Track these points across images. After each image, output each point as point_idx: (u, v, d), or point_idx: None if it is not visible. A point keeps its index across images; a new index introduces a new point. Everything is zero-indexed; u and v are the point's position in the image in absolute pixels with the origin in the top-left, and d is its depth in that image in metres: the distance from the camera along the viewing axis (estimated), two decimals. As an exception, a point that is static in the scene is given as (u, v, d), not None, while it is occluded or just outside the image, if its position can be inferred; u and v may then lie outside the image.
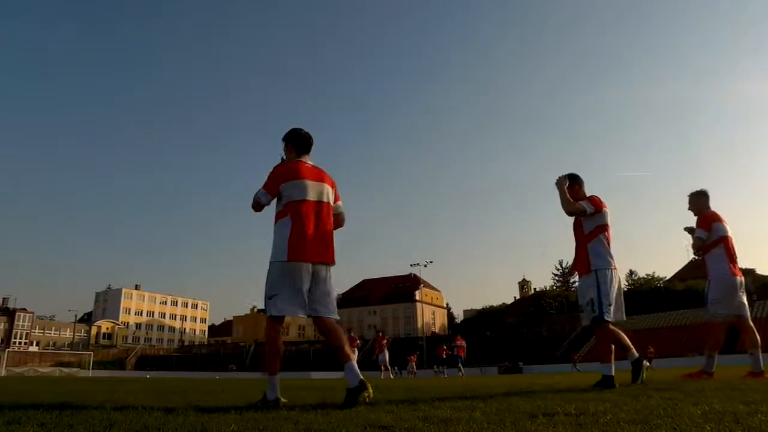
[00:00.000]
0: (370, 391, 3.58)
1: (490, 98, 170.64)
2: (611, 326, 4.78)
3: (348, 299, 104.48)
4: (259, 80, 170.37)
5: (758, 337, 6.04)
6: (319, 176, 4.02)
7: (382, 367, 21.24)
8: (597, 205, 5.03)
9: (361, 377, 3.64)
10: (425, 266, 66.95)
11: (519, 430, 2.23)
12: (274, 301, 3.74)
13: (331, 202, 4.04)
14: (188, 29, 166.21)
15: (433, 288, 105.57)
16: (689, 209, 6.41)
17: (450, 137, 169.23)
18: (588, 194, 5.16)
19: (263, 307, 3.92)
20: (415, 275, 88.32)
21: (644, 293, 68.86)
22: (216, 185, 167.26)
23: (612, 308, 4.72)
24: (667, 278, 77.49)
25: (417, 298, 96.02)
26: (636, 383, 4.78)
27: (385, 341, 22.34)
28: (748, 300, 6.37)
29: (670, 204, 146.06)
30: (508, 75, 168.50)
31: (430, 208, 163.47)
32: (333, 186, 4.09)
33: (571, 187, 5.25)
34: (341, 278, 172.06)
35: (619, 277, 4.97)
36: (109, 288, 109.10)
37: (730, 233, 6.20)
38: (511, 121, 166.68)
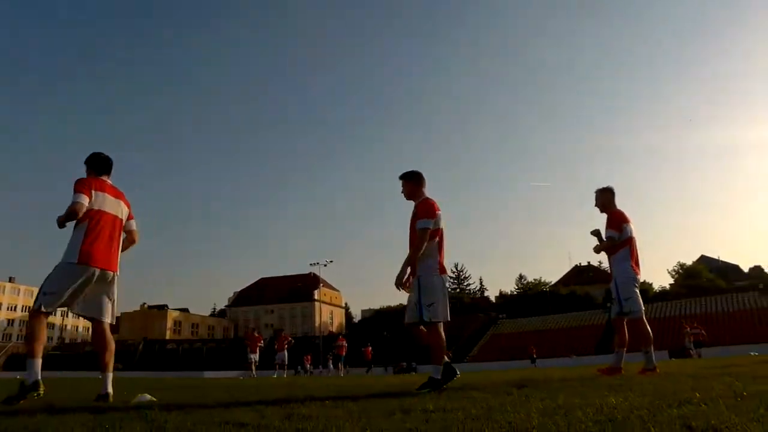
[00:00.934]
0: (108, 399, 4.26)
1: (416, 87, 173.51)
2: (440, 327, 4.66)
3: (244, 297, 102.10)
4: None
5: (651, 334, 6.22)
6: (117, 195, 4.53)
7: (277, 366, 20.92)
8: (432, 212, 4.77)
9: (109, 390, 4.34)
10: (325, 266, 66.75)
11: (371, 426, 2.26)
12: (49, 298, 4.08)
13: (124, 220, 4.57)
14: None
15: (332, 287, 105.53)
16: (596, 205, 6.52)
17: (352, 139, 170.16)
18: (424, 196, 4.95)
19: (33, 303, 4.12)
20: (314, 274, 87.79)
21: (532, 297, 72.88)
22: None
23: (432, 309, 4.58)
24: (552, 283, 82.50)
25: (315, 297, 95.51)
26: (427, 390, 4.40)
27: (287, 342, 22.08)
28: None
29: (559, 213, 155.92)
30: (396, 74, 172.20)
31: (331, 207, 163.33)
32: (128, 206, 4.63)
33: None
34: (238, 275, 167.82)
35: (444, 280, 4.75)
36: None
37: (634, 234, 6.33)
38: (411, 126, 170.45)
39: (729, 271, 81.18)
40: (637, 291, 6.21)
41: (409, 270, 4.78)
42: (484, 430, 1.90)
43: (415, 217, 4.78)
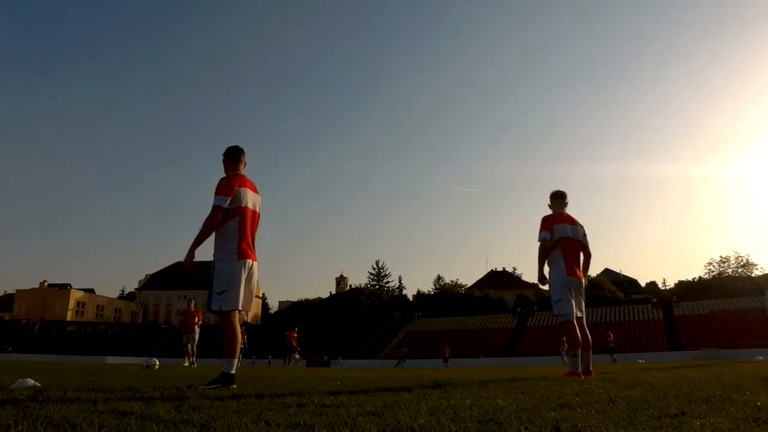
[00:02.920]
0: None
1: (335, 96, 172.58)
2: (235, 318, 4.39)
3: (156, 280, 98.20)
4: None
5: (590, 339, 6.12)
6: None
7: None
8: (228, 189, 4.50)
9: None
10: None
11: (260, 418, 2.23)
12: None
13: None
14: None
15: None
16: (550, 208, 6.52)
17: (281, 137, 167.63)
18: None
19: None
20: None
21: (448, 297, 74.74)
22: (6, 134, 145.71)
23: (224, 297, 4.31)
24: (468, 286, 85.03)
25: (253, 287, 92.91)
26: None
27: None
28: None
29: (480, 218, 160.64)
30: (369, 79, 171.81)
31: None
32: None
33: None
34: (151, 257, 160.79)
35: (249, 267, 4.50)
36: None
37: (572, 234, 6.21)
38: (339, 121, 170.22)
39: (628, 284, 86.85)
40: (570, 294, 6.07)
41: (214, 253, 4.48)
42: (370, 427, 1.92)
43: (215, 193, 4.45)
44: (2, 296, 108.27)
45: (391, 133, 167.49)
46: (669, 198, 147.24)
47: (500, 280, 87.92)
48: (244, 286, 4.44)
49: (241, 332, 16.47)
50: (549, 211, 6.51)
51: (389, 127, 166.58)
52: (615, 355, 29.98)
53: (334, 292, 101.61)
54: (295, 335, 26.76)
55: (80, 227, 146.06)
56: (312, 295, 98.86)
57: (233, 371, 4.28)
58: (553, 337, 50.74)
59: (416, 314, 64.50)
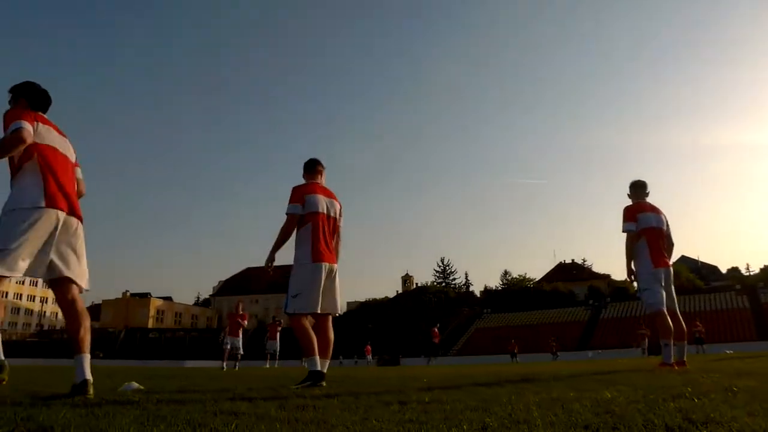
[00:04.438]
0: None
1: (383, 91, 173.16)
2: (304, 320, 4.53)
3: (229, 286, 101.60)
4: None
5: (684, 328, 5.93)
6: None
7: (268, 356, 20.25)
8: (297, 196, 4.71)
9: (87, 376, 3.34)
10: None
11: (367, 416, 2.26)
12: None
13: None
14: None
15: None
16: (630, 198, 6.36)
17: (335, 136, 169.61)
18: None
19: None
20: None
21: (516, 292, 73.39)
22: (84, 156, 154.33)
23: (297, 300, 4.49)
24: (537, 279, 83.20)
25: (336, 289, 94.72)
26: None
27: (279, 329, 20.98)
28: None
29: (546, 211, 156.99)
30: (413, 72, 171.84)
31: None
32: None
33: None
34: (224, 264, 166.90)
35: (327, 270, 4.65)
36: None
37: (656, 224, 6.05)
38: (401, 116, 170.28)
39: (707, 271, 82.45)
40: (658, 283, 5.85)
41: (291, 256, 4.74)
42: (485, 420, 1.90)
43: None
44: (90, 306, 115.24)
45: (451, 129, 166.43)
46: (749, 176, 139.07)
47: (570, 272, 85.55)
48: (324, 289, 4.56)
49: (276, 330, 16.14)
50: (629, 202, 6.30)
51: (448, 122, 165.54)
52: (704, 346, 28.61)
53: (400, 291, 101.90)
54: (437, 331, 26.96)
55: (156, 238, 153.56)
56: (379, 295, 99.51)
57: (318, 367, 4.38)
58: (629, 329, 48.96)
59: (485, 310, 63.71)
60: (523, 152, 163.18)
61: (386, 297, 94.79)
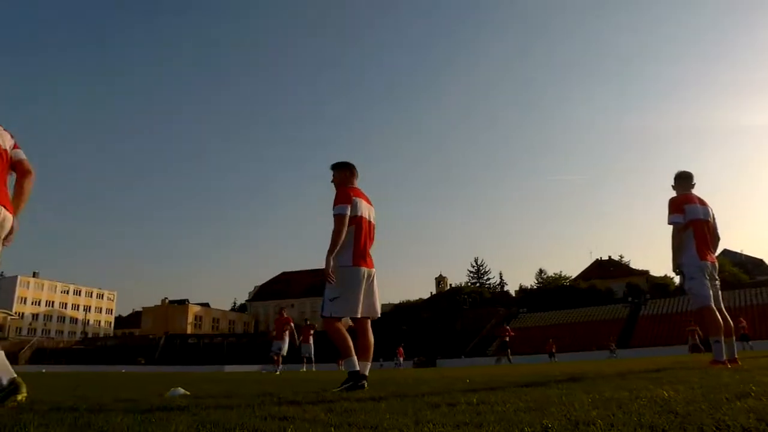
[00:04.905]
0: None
1: (414, 94, 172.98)
2: (338, 323, 4.49)
3: (265, 291, 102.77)
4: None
5: (731, 324, 5.73)
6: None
7: (305, 360, 20.36)
8: (346, 198, 4.59)
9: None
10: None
11: (419, 418, 2.23)
12: None
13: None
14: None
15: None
16: (674, 190, 6.18)
17: (369, 141, 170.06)
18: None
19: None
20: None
21: (552, 291, 72.35)
22: (121, 167, 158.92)
23: (336, 304, 4.44)
24: (573, 277, 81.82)
25: (375, 293, 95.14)
26: None
27: (312, 332, 21.04)
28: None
29: (580, 207, 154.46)
30: (440, 74, 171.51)
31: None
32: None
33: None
34: (259, 269, 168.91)
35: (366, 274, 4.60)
36: (1, 275, 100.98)
37: (703, 216, 5.87)
38: (434, 118, 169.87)
39: (752, 265, 79.77)
40: (705, 278, 5.66)
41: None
42: (543, 422, 1.86)
43: (333, 204, 4.59)
44: (131, 314, 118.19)
45: (482, 127, 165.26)
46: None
47: (607, 269, 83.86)
48: (364, 294, 4.52)
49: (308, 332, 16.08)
50: (671, 194, 6.11)
51: (479, 121, 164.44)
52: (750, 342, 27.61)
53: (434, 292, 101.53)
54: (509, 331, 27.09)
55: (192, 245, 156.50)
56: (412, 297, 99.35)
57: (356, 368, 4.35)
58: (671, 326, 47.68)
59: (520, 310, 62.93)
60: (557, 149, 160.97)
61: (420, 299, 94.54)
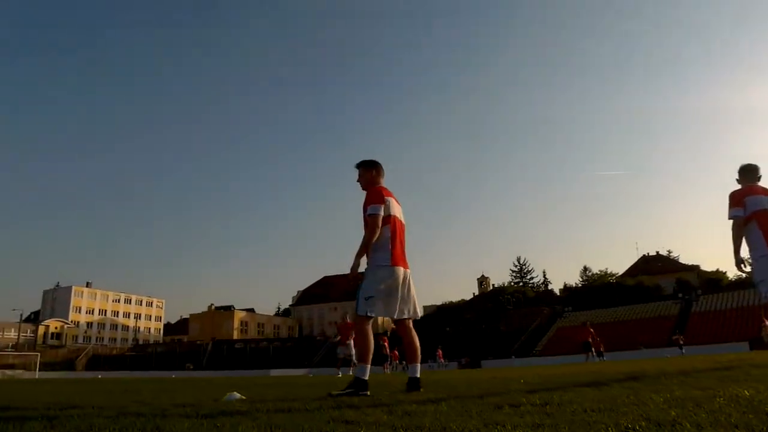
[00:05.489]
0: None
1: (449, 101, 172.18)
2: (368, 325, 4.39)
3: (308, 295, 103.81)
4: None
5: None
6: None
7: (340, 362, 20.41)
8: (380, 198, 4.53)
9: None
10: (385, 263, 66.84)
11: (486, 420, 2.18)
12: None
13: None
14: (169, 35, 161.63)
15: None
16: (738, 183, 5.86)
17: (406, 137, 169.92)
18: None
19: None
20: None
21: (597, 289, 70.74)
22: (169, 179, 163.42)
23: (371, 303, 4.30)
24: (619, 274, 79.82)
25: (412, 294, 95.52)
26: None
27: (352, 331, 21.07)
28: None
29: (624, 203, 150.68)
30: (477, 74, 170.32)
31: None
32: None
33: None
34: (302, 274, 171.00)
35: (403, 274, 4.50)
36: (57, 286, 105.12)
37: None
38: (471, 118, 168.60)
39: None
40: None
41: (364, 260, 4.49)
42: (620, 421, 1.79)
43: (365, 205, 4.53)
44: (179, 321, 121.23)
45: (521, 123, 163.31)
46: None
47: (654, 265, 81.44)
48: (402, 295, 4.42)
49: (384, 339, 16.54)
50: (729, 186, 5.81)
51: (517, 117, 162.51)
52: None
53: (476, 292, 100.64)
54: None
55: (236, 252, 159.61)
56: (455, 298, 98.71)
57: (366, 377, 4.22)
58: (725, 322, 45.94)
59: (566, 309, 61.68)
60: (599, 144, 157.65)
61: (462, 300, 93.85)
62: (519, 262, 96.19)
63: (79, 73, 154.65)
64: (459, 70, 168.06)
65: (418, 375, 4.38)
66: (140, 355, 76.41)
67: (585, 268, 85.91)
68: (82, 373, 61.89)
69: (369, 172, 4.73)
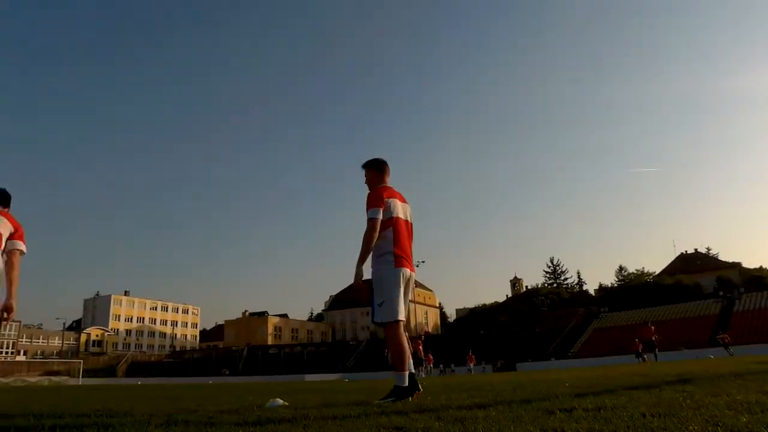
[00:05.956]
0: None
1: (480, 100, 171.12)
2: (400, 329, 4.28)
3: (340, 301, 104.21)
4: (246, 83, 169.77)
5: None
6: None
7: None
8: (378, 201, 4.38)
9: None
10: (417, 266, 66.56)
11: (543, 426, 2.14)
12: None
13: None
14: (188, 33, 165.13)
15: (425, 288, 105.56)
16: None
17: (436, 138, 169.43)
18: (385, 190, 4.53)
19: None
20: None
21: (634, 288, 69.26)
22: (204, 187, 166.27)
23: (385, 308, 4.24)
24: (657, 273, 78.04)
25: (409, 298, 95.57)
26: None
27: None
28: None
29: (660, 200, 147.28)
30: (508, 74, 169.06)
31: (420, 207, 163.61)
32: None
33: None
34: (332, 280, 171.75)
35: (408, 277, 4.41)
36: (97, 295, 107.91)
37: None
38: (501, 118, 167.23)
39: None
40: None
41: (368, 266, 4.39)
42: (689, 428, 1.73)
43: (366, 208, 4.39)
44: (214, 327, 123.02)
45: (550, 122, 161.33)
46: None
47: (693, 263, 79.34)
48: (403, 297, 4.32)
49: (418, 343, 17.00)
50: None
51: (549, 116, 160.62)
52: None
53: (510, 294, 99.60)
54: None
55: (269, 259, 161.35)
56: (488, 300, 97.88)
57: (406, 384, 4.13)
58: (771, 320, 44.33)
59: (602, 309, 60.50)
60: (633, 141, 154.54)
61: (495, 302, 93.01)
62: (552, 263, 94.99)
63: (126, 83, 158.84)
64: (487, 68, 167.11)
65: (406, 384, 4.28)
66: (177, 361, 77.77)
67: (620, 268, 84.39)
68: (122, 380, 63.34)
69: (371, 171, 4.63)
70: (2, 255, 4.25)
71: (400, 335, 4.24)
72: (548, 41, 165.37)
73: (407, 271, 4.35)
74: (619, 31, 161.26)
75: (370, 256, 4.32)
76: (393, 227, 4.34)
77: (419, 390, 4.25)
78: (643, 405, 2.62)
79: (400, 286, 4.26)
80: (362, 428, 2.50)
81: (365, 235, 4.26)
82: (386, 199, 4.37)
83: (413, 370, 4.29)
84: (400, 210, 4.47)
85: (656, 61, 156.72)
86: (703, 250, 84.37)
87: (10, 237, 4.46)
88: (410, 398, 4.07)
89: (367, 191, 4.52)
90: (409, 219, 4.58)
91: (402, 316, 4.24)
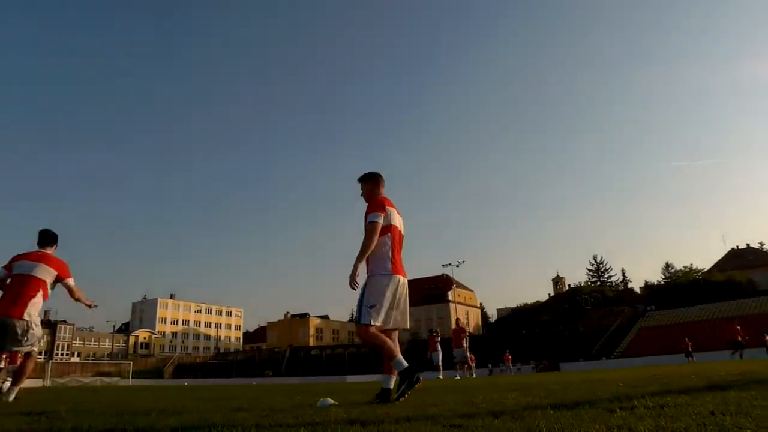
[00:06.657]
0: None
1: (517, 94, 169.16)
2: (374, 329, 4.33)
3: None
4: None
5: None
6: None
7: (441, 367, 20.65)
8: (380, 207, 4.58)
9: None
10: (457, 266, 66.34)
11: (608, 424, 2.12)
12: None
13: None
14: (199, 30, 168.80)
15: (465, 288, 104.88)
16: None
17: (474, 136, 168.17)
18: (382, 195, 4.80)
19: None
20: (447, 275, 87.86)
21: (682, 286, 67.19)
22: (248, 192, 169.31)
23: (375, 312, 4.31)
24: (706, 269, 75.53)
25: (450, 298, 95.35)
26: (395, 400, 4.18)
27: (438, 339, 21.38)
28: None
29: (707, 193, 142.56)
30: (539, 71, 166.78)
31: (461, 207, 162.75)
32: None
33: None
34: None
35: (402, 283, 4.54)
36: (144, 298, 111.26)
37: None
38: (540, 116, 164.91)
39: None
40: None
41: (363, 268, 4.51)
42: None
43: (366, 214, 4.59)
44: (257, 329, 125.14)
45: (591, 118, 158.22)
46: None
47: (745, 258, 76.44)
48: (397, 303, 4.47)
49: (461, 338, 17.04)
50: None
51: (589, 108, 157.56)
52: None
53: (552, 293, 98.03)
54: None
55: (308, 261, 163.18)
56: (530, 300, 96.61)
57: (405, 364, 4.25)
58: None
59: (648, 308, 58.89)
60: (681, 134, 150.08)
61: (537, 301, 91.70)
62: (596, 261, 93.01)
63: (173, 82, 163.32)
64: (523, 61, 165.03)
65: (392, 386, 4.38)
66: (222, 362, 79.35)
67: (667, 265, 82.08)
68: (170, 381, 65.07)
69: (367, 184, 4.85)
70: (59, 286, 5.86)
71: (376, 335, 4.36)
72: (595, 24, 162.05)
73: (400, 278, 4.54)
74: (666, 17, 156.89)
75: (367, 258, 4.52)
76: (391, 235, 4.58)
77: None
78: (708, 404, 2.57)
79: (392, 293, 4.43)
80: (425, 427, 2.52)
81: (366, 236, 4.46)
82: (387, 208, 4.62)
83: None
84: (397, 220, 4.72)
85: (709, 42, 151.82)
86: (755, 245, 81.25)
87: (58, 280, 5.79)
88: (418, 375, 4.22)
89: (365, 203, 4.76)
90: (402, 230, 4.81)
91: (381, 323, 4.37)
